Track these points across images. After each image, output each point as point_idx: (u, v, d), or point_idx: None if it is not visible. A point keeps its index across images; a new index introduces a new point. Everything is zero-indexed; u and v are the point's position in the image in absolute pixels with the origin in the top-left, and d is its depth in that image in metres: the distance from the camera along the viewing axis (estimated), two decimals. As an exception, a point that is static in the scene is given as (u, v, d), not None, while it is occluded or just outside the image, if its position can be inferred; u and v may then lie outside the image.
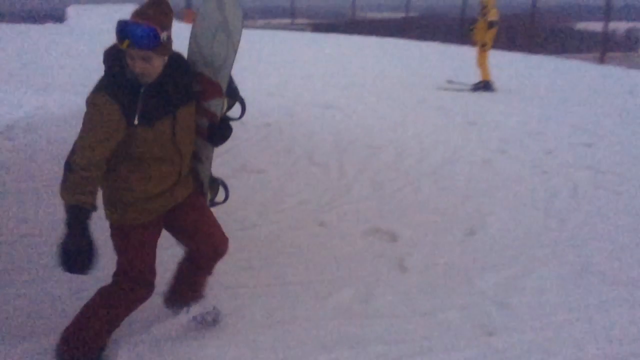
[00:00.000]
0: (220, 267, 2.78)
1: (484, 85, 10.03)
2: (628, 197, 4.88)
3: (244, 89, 2.79)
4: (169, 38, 2.24)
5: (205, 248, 2.62)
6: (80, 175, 2.17)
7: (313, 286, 3.31)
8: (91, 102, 2.21)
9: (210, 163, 2.67)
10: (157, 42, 2.15)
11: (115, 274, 2.50)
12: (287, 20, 29.53)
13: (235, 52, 2.41)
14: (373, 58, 14.59)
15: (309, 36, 20.67)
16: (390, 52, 16.00)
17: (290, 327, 2.89)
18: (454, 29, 21.81)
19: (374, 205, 4.67)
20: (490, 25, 9.77)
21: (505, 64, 12.65)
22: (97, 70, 2.39)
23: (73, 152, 2.22)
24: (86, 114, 2.22)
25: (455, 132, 7.13)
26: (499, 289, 3.31)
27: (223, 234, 2.65)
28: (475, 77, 10.25)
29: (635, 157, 6.02)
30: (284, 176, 5.33)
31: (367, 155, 6.02)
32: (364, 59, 14.22)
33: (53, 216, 3.68)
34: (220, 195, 2.79)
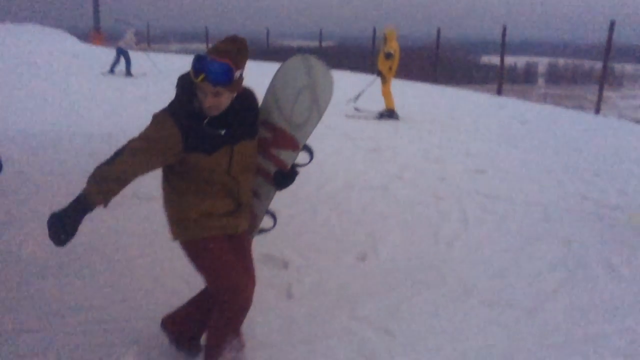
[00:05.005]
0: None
1: (389, 114, 10.35)
2: (514, 221, 5.13)
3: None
4: (241, 76, 2.32)
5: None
6: (118, 170, 2.22)
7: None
8: (156, 118, 2.29)
9: (270, 202, 2.78)
10: (230, 80, 2.22)
11: (215, 292, 2.54)
12: (203, 45, 29.34)
13: (320, 116, 2.54)
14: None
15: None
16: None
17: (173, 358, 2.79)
18: (365, 58, 22.49)
19: (270, 232, 4.61)
20: (387, 56, 10.08)
21: (410, 94, 13.15)
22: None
23: (123, 149, 2.25)
24: (149, 126, 2.29)
25: (358, 158, 7.27)
26: (382, 314, 3.35)
27: (254, 277, 2.68)
28: (381, 106, 10.56)
29: (522, 184, 6.36)
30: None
31: (268, 181, 5.99)
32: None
33: None
34: (267, 223, 2.91)
